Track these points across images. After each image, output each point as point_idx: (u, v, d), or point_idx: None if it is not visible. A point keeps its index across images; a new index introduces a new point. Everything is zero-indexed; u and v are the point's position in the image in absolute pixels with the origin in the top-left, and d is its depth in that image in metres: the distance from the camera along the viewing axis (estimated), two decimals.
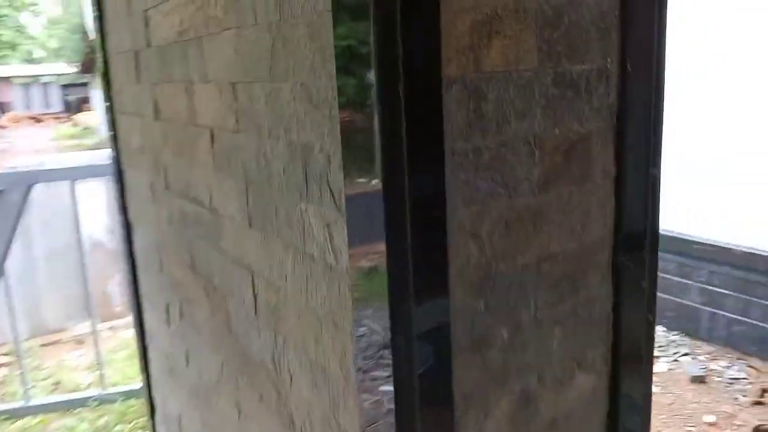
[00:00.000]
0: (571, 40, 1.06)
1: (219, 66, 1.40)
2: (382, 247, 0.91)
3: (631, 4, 1.12)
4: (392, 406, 0.95)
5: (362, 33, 0.89)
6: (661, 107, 1.18)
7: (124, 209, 2.46)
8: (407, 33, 0.87)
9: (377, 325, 0.95)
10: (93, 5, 2.36)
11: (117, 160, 2.42)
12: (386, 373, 0.95)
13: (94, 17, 2.39)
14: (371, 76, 0.88)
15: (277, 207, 1.25)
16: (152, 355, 2.51)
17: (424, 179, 0.92)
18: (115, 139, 2.41)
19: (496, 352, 1.07)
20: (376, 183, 0.90)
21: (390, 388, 0.94)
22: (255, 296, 1.42)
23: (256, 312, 1.43)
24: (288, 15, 1.08)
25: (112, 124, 2.40)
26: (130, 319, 2.92)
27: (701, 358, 4.42)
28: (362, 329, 0.99)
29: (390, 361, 0.93)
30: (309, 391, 1.23)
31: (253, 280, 1.42)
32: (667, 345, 4.60)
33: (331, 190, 1.05)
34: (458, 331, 1.00)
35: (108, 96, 2.39)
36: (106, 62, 2.37)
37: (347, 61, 0.94)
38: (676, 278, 4.66)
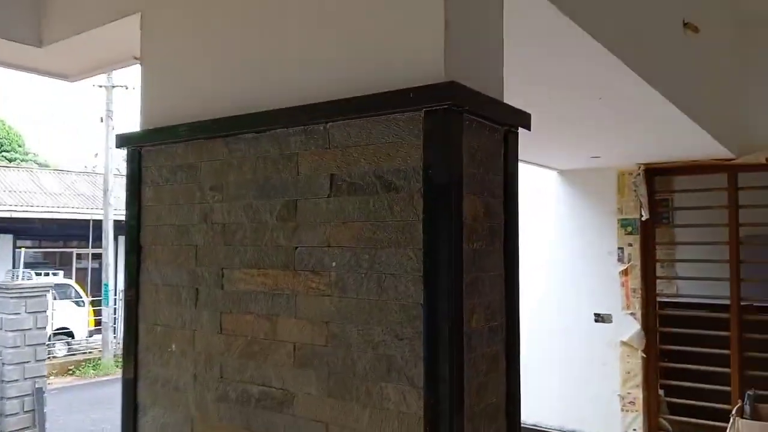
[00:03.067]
0: (492, 310, 2.61)
1: (311, 311, 2.68)
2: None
3: (506, 302, 2.72)
4: None
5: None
6: (519, 345, 2.76)
7: (133, 394, 3.33)
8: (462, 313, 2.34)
9: None
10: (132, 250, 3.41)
11: (134, 353, 3.34)
12: None
13: (129, 254, 3.42)
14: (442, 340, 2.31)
15: (358, 386, 2.52)
16: None
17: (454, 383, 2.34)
18: (135, 338, 3.35)
19: None
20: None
21: None
22: None
23: None
24: (385, 297, 2.47)
25: (134, 331, 3.35)
26: None
27: None
28: None
29: None
30: None
31: (327, 428, 2.60)
32: None
33: (407, 376, 2.40)
34: None
35: (135, 314, 3.36)
36: (137, 291, 3.38)
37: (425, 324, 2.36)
38: None
